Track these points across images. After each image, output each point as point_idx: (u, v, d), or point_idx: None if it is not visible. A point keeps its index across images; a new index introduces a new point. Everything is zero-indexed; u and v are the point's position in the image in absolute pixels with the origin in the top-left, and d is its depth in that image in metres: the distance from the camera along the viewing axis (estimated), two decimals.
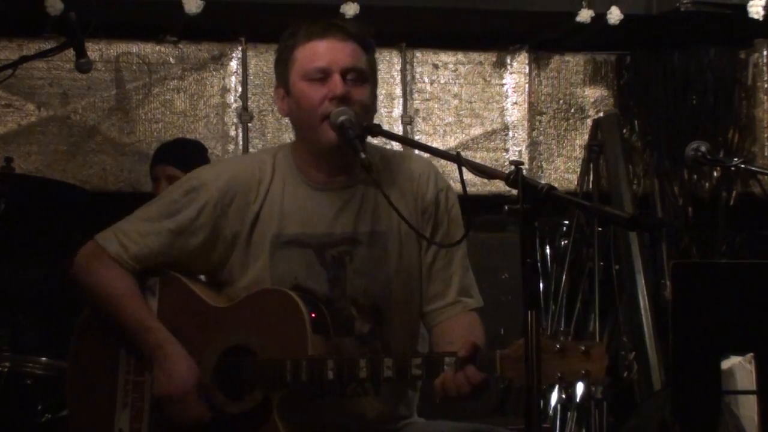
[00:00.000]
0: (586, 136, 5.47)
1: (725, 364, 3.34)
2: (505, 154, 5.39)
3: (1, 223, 3.95)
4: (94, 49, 4.86)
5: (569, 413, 4.97)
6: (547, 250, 5.29)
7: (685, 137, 5.03)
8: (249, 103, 5.13)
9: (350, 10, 4.69)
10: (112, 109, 5.03)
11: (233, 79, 5.13)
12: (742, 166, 4.07)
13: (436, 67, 5.34)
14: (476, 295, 2.86)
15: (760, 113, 5.42)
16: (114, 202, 4.81)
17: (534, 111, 5.44)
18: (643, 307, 5.02)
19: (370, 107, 2.75)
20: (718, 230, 5.39)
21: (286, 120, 5.19)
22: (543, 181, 2.70)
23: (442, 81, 5.34)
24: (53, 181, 4.68)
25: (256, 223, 2.76)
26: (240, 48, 5.11)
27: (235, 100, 5.13)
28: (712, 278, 2.91)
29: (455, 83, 5.35)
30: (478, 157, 5.27)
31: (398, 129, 5.20)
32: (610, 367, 2.44)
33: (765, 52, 5.39)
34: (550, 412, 4.97)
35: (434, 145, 4.89)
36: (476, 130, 5.37)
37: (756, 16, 4.91)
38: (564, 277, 5.20)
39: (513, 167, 2.29)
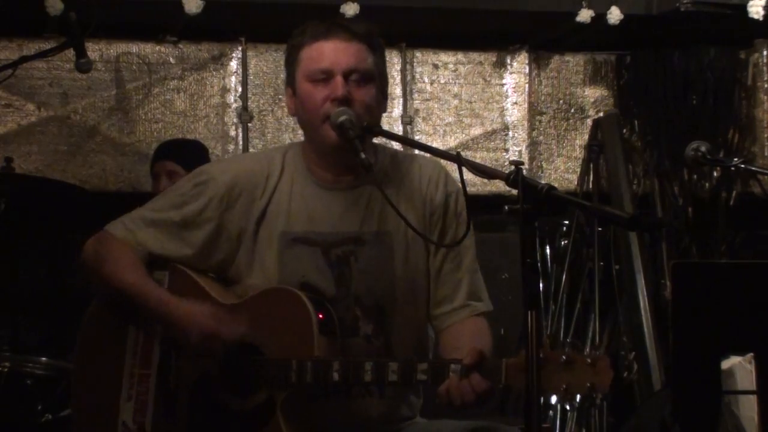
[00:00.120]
0: (586, 136, 5.47)
1: (725, 364, 3.34)
2: (505, 154, 5.39)
3: (1, 223, 3.95)
4: (94, 49, 4.86)
5: (569, 413, 4.97)
6: (547, 250, 5.29)
7: (685, 137, 5.02)
8: (249, 103, 5.13)
9: (350, 10, 4.69)
10: (112, 109, 5.03)
11: (233, 79, 5.13)
12: (742, 166, 4.06)
13: (436, 67, 5.34)
14: (485, 299, 2.85)
15: (760, 113, 5.42)
16: (114, 202, 4.80)
17: (534, 111, 5.44)
18: (643, 307, 5.02)
19: (374, 107, 2.74)
20: (718, 230, 5.40)
21: (286, 120, 5.27)
22: (543, 181, 2.70)
23: (442, 81, 5.34)
24: (53, 181, 4.68)
25: (263, 219, 2.77)
26: (240, 48, 5.11)
27: (235, 100, 5.13)
28: (712, 278, 2.90)
29: (455, 83, 5.35)
30: (478, 157, 5.27)
31: (398, 129, 5.20)
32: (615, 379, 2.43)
33: (765, 52, 5.39)
34: (550, 412, 4.97)
35: (434, 145, 4.88)
36: (476, 130, 5.38)
37: (756, 16, 4.92)
38: (564, 277, 5.21)
39: (513, 167, 2.29)
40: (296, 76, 2.76)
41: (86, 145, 5.00)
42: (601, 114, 5.48)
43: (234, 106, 5.13)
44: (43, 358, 3.81)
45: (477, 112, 5.37)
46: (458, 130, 5.35)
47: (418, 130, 5.30)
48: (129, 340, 2.80)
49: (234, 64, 5.13)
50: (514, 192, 2.29)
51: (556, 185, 2.51)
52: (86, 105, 5.02)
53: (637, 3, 5.03)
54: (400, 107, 5.26)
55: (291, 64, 2.79)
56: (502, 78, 5.40)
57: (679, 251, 5.40)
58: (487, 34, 5.32)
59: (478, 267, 2.87)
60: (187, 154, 4.52)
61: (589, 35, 5.16)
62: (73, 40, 3.74)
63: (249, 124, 5.13)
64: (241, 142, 5.10)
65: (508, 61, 5.41)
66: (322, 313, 2.66)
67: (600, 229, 5.21)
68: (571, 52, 5.48)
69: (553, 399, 4.95)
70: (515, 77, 5.41)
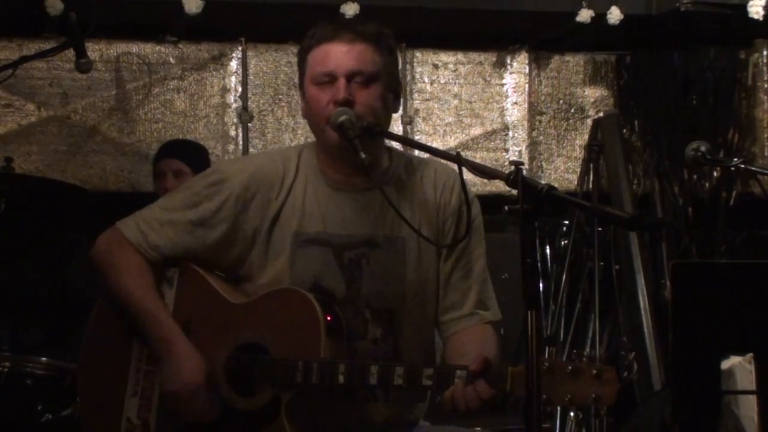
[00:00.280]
0: (586, 136, 5.48)
1: (725, 364, 3.33)
2: (505, 154, 5.39)
3: (1, 223, 3.95)
4: (94, 49, 4.86)
5: (569, 413, 4.97)
6: (547, 250, 5.30)
7: (685, 137, 5.03)
8: (249, 103, 5.13)
9: (350, 10, 4.68)
10: (112, 109, 5.03)
11: (233, 79, 5.13)
12: (742, 166, 4.06)
13: (436, 67, 5.34)
14: (494, 308, 2.85)
15: (760, 113, 5.42)
16: (114, 202, 4.81)
17: (534, 111, 5.44)
18: (643, 307, 5.02)
19: (378, 108, 2.73)
20: (718, 230, 5.40)
21: (286, 120, 5.28)
22: (543, 181, 2.70)
23: (442, 81, 5.35)
24: (53, 181, 4.68)
25: (277, 219, 2.77)
26: (240, 48, 5.11)
27: (235, 100, 5.13)
28: (712, 278, 2.90)
29: (455, 83, 5.35)
30: (478, 157, 5.28)
31: (398, 129, 5.21)
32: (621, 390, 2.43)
33: (765, 52, 5.39)
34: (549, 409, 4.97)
35: (434, 145, 4.88)
36: (476, 130, 5.38)
37: (756, 16, 4.92)
38: (564, 277, 5.21)
39: (513, 167, 2.29)
40: (304, 79, 2.77)
41: (86, 145, 5.00)
42: (601, 114, 5.48)
43: (234, 106, 5.13)
44: (43, 358, 3.81)
45: (477, 112, 5.37)
46: (458, 130, 5.35)
47: (418, 130, 5.30)
48: (136, 335, 2.79)
49: (234, 64, 5.13)
50: (514, 192, 2.29)
51: (556, 185, 2.51)
52: (86, 105, 5.02)
53: (637, 3, 5.03)
54: (400, 107, 5.26)
55: (301, 66, 2.80)
56: (502, 78, 5.40)
57: (679, 251, 5.40)
58: (487, 34, 5.32)
59: (489, 276, 2.86)
60: (192, 153, 4.54)
61: (589, 35, 5.16)
62: (73, 40, 3.74)
63: (249, 124, 5.13)
64: (241, 142, 5.10)
65: (508, 61, 5.41)
66: (330, 315, 2.66)
67: (600, 229, 5.21)
68: (571, 52, 5.48)
69: None
70: (515, 77, 5.41)
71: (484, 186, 4.32)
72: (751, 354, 3.00)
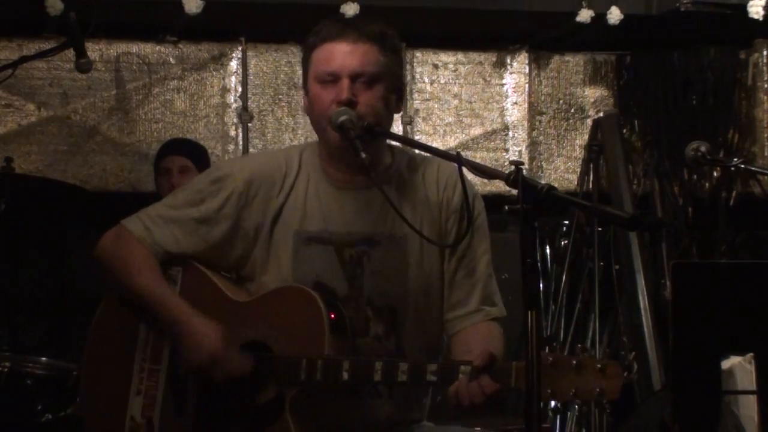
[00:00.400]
0: (586, 136, 5.47)
1: (725, 364, 3.34)
2: (505, 154, 5.39)
3: (1, 223, 3.95)
4: (94, 49, 4.86)
5: (569, 413, 4.97)
6: (547, 250, 5.30)
7: (685, 137, 5.03)
8: (249, 103, 5.13)
9: (350, 10, 4.68)
10: (112, 109, 5.03)
11: (233, 79, 5.13)
12: (742, 166, 4.06)
13: (436, 67, 5.34)
14: (499, 304, 2.85)
15: (760, 113, 5.42)
16: (114, 202, 4.82)
17: (534, 111, 5.44)
18: (643, 307, 5.02)
19: (380, 108, 2.72)
20: (718, 230, 5.40)
21: (286, 120, 5.28)
22: (543, 181, 2.69)
23: (442, 81, 5.35)
24: (53, 181, 4.68)
25: (279, 217, 2.78)
26: (240, 48, 5.11)
27: (235, 100, 5.13)
28: (712, 278, 2.90)
29: (455, 83, 5.35)
30: (478, 157, 5.28)
31: (398, 129, 5.20)
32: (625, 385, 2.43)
33: (765, 52, 5.39)
34: (550, 412, 4.97)
35: (434, 145, 4.88)
36: (476, 130, 5.38)
37: (756, 16, 4.91)
38: (564, 277, 5.21)
39: (513, 167, 2.29)
40: (308, 77, 2.78)
41: (86, 145, 5.00)
42: (601, 114, 5.48)
43: (234, 106, 5.13)
44: (43, 358, 3.80)
45: (477, 112, 5.37)
46: (458, 130, 5.35)
47: (418, 130, 5.30)
48: (140, 334, 2.80)
49: (234, 64, 5.13)
50: (514, 192, 2.29)
51: (556, 185, 2.51)
52: (86, 105, 5.02)
53: (637, 3, 5.03)
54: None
55: (305, 64, 2.80)
56: (502, 78, 5.40)
57: (679, 251, 5.40)
58: (487, 34, 5.32)
59: (493, 272, 2.86)
60: (195, 151, 4.56)
61: (589, 35, 5.16)
62: (73, 40, 3.74)
63: (249, 124, 5.13)
64: (241, 142, 5.10)
65: (508, 61, 5.41)
66: (334, 313, 2.67)
67: (600, 229, 5.22)
68: (571, 52, 5.48)
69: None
70: (515, 77, 5.41)
71: (484, 186, 4.31)
72: (751, 354, 3.01)
